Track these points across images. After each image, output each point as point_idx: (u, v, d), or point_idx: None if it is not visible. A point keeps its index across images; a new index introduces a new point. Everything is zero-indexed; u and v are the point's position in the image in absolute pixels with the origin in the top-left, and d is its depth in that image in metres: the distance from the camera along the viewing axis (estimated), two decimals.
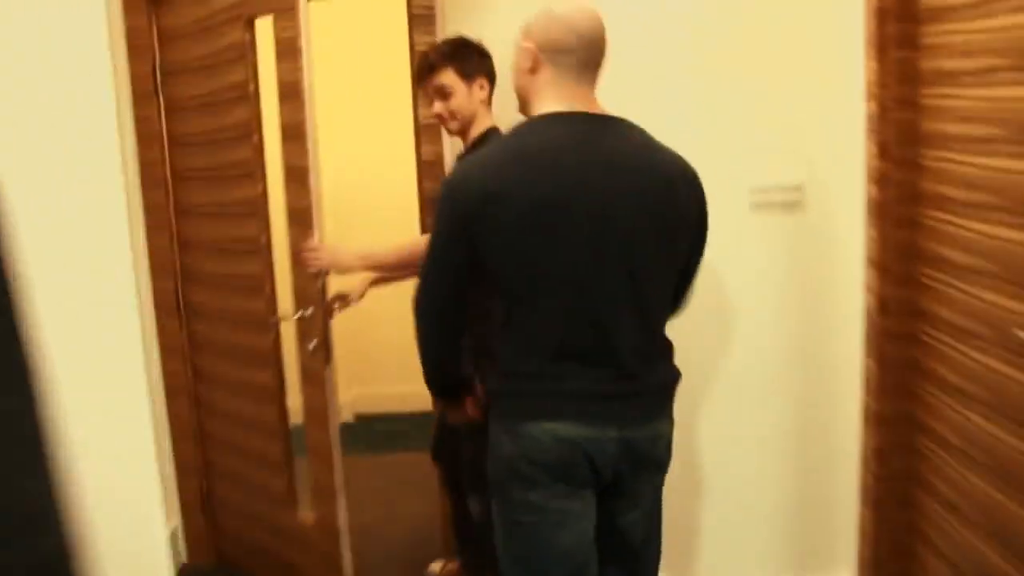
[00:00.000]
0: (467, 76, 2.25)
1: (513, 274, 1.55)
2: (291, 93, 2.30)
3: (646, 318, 1.61)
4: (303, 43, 2.23)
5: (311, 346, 2.35)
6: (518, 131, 1.60)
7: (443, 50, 2.28)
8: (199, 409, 2.93)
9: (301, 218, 2.34)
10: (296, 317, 2.42)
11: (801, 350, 2.34)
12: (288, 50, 2.29)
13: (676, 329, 1.72)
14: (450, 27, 2.74)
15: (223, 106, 2.60)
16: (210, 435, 2.92)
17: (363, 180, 4.26)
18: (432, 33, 2.79)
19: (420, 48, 2.79)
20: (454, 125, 2.30)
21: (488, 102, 2.31)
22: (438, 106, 2.30)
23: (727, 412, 2.39)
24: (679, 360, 1.72)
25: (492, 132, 2.27)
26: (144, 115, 2.76)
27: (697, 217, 1.67)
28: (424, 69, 2.30)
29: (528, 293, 1.56)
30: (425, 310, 1.66)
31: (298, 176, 2.32)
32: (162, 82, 2.78)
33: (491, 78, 2.31)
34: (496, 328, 1.64)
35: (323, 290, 2.35)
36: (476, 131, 2.30)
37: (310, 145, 2.27)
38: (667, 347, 1.70)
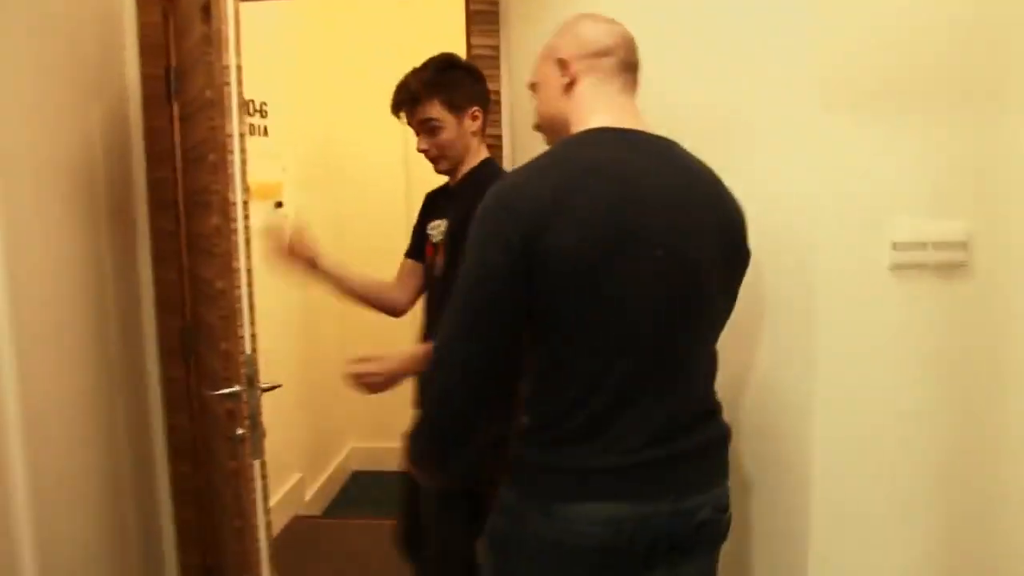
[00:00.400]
0: (457, 108, 1.95)
1: (573, 304, 1.25)
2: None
3: (708, 367, 1.44)
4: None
5: (237, 433, 1.76)
6: (566, 145, 1.35)
7: (427, 78, 1.94)
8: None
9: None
10: (219, 393, 1.78)
11: (957, 463, 1.68)
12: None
13: None
14: (514, 26, 2.28)
15: None
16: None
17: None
18: (493, 34, 2.33)
19: (480, 51, 2.33)
20: (443, 164, 1.99)
21: (482, 132, 2.01)
22: (423, 142, 1.95)
23: (859, 543, 1.75)
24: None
25: (487, 165, 2.01)
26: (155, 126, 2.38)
27: (747, 262, 1.48)
28: (405, 101, 1.96)
29: (587, 331, 1.27)
30: (462, 378, 1.25)
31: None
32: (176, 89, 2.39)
33: (484, 105, 2.01)
34: (527, 379, 1.34)
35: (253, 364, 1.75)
36: (468, 166, 2.00)
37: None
38: (719, 404, 1.48)
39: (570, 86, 1.38)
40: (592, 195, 1.24)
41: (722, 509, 1.42)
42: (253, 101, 3.43)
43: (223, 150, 1.70)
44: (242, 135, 1.71)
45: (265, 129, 3.55)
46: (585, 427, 1.28)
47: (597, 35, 1.39)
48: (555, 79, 1.40)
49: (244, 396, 1.71)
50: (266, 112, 3.55)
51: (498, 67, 2.39)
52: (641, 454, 1.30)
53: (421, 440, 1.35)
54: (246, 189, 1.72)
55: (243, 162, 1.72)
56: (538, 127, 1.49)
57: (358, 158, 4.42)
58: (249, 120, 3.41)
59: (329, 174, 4.38)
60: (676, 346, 1.33)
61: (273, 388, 1.76)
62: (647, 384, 1.30)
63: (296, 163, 3.90)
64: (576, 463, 1.29)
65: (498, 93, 2.38)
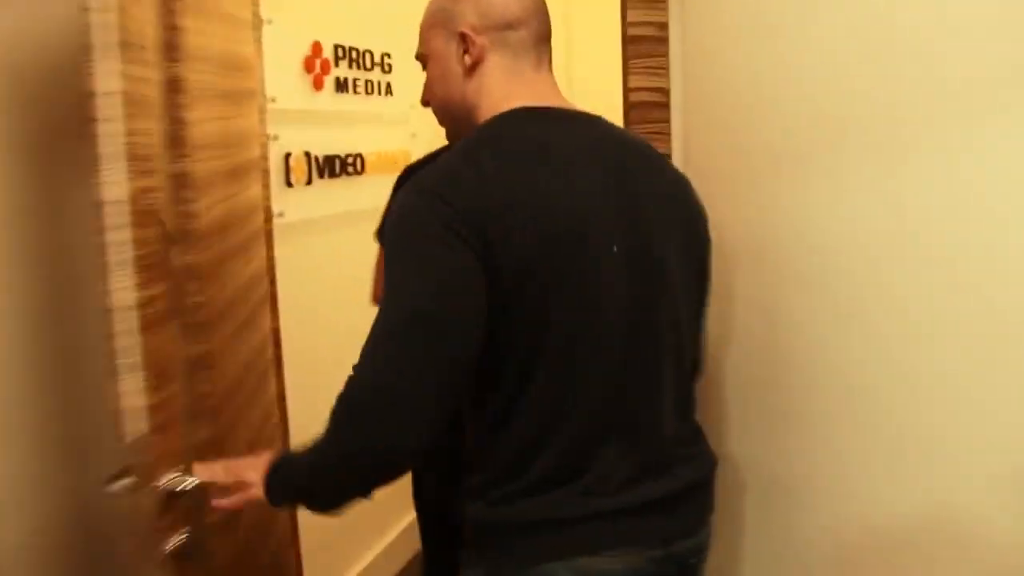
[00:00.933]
0: None
1: (529, 328, 1.06)
2: None
3: (687, 386, 1.26)
4: None
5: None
6: (496, 129, 1.14)
7: None
8: None
9: None
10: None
11: None
12: None
13: None
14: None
15: None
16: None
17: None
18: (660, 8, 1.48)
19: (640, 30, 1.53)
20: None
21: None
22: None
23: None
24: None
25: None
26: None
27: (709, 252, 1.28)
28: None
29: (549, 354, 1.06)
30: (400, 427, 0.99)
31: None
32: None
33: None
34: (478, 428, 1.13)
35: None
36: None
37: None
38: (700, 427, 1.30)
39: (475, 66, 1.19)
40: (540, 189, 1.07)
41: (706, 549, 1.25)
42: (370, 52, 2.72)
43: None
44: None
45: (388, 87, 2.84)
46: (553, 470, 1.10)
47: (506, 6, 1.19)
48: (454, 56, 1.20)
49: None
50: (390, 66, 2.83)
51: (665, 52, 1.54)
52: (623, 496, 1.13)
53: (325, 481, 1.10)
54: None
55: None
56: (427, 105, 1.29)
57: None
58: (367, 75, 2.71)
59: None
60: (649, 365, 1.15)
61: None
62: (620, 412, 1.13)
63: (431, 127, 3.16)
64: (548, 514, 1.10)
65: (663, 91, 1.52)
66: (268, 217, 1.91)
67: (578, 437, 1.10)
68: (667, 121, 1.53)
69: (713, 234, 1.28)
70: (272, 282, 1.91)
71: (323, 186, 2.49)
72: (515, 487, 1.10)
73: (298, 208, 2.36)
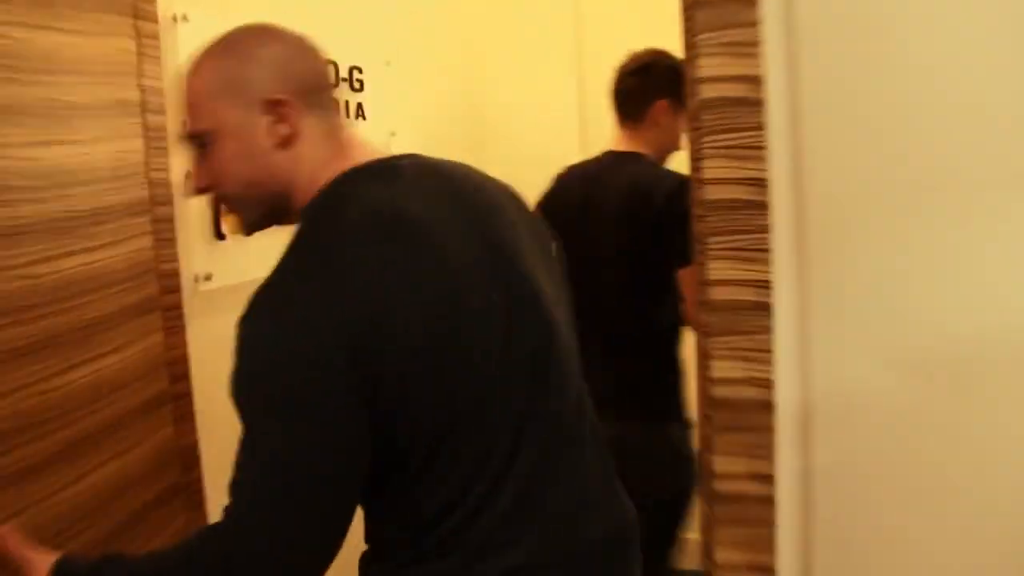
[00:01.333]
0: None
1: (425, 418, 0.96)
2: None
3: (595, 433, 1.15)
4: None
5: None
6: (333, 202, 1.01)
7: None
8: None
9: None
10: None
11: None
12: None
13: None
14: None
15: None
16: None
17: None
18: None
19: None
20: None
21: None
22: None
23: None
24: None
25: None
26: None
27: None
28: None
29: (445, 429, 0.98)
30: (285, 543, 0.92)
31: None
32: None
33: None
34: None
35: None
36: None
37: None
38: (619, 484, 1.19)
39: (293, 136, 1.01)
40: (410, 278, 0.94)
41: None
42: (335, 64, 2.18)
43: None
44: None
45: (360, 108, 2.30)
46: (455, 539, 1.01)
47: (306, 61, 1.05)
48: (260, 127, 1.01)
49: None
50: (361, 83, 2.28)
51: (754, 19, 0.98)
52: (541, 554, 1.04)
53: None
54: None
55: None
56: (205, 191, 1.06)
57: (516, 121, 3.07)
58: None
59: (472, 148, 3.03)
60: (550, 413, 1.06)
61: None
62: (521, 466, 1.02)
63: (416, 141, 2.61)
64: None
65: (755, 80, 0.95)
66: (174, 284, 1.36)
67: (481, 501, 1.00)
68: (759, 128, 0.93)
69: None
70: (181, 378, 1.35)
71: (270, 238, 1.91)
72: (411, 555, 1.03)
73: (233, 268, 1.78)
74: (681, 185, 1.85)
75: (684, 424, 1.97)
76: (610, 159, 2.00)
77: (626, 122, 1.99)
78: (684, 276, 1.86)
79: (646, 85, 1.96)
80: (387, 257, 0.94)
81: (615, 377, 1.91)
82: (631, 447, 1.72)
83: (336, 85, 1.10)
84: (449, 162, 1.13)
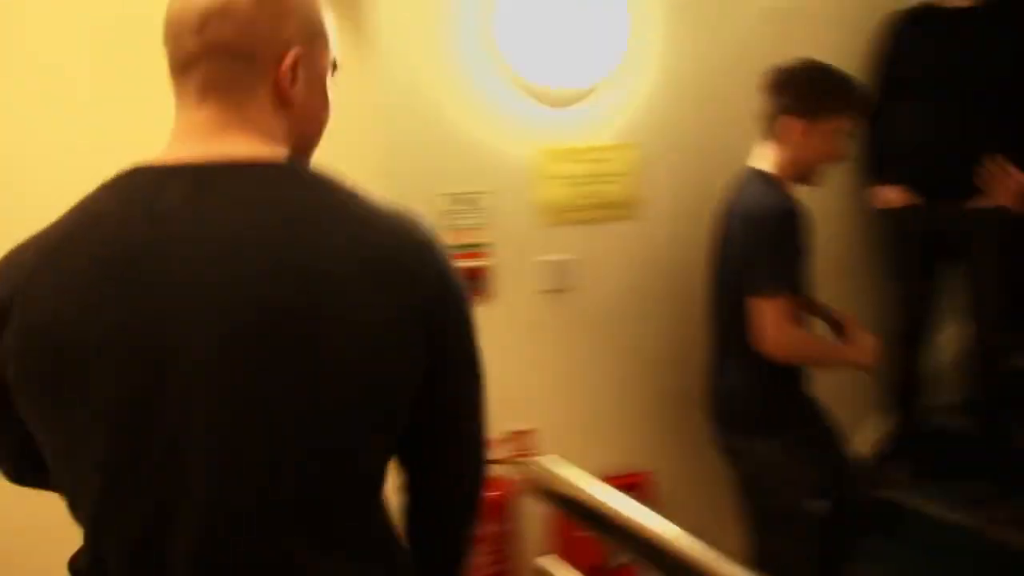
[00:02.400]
0: None
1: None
2: None
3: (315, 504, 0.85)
4: None
5: None
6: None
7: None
8: None
9: None
10: None
11: None
12: None
13: None
14: None
15: None
16: None
17: None
18: None
19: None
20: None
21: None
22: None
23: None
24: None
25: None
26: None
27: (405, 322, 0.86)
28: None
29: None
30: None
31: None
32: None
33: None
34: None
35: None
36: None
37: None
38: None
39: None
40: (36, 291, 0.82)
41: None
42: None
43: None
44: None
45: None
46: None
47: (167, 21, 0.88)
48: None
49: None
50: None
51: None
52: None
53: None
54: None
55: None
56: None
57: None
58: None
59: None
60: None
61: None
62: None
63: None
64: None
65: None
66: None
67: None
68: None
69: None
70: None
71: None
72: None
73: None
74: (772, 211, 1.89)
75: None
76: (744, 173, 2.04)
77: (763, 138, 2.02)
78: (756, 304, 1.89)
79: (770, 102, 1.98)
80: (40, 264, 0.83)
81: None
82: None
83: (211, 52, 0.84)
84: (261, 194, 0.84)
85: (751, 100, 2.03)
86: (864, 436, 2.70)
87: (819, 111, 1.91)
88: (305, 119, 0.91)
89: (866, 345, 2.07)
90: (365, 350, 0.82)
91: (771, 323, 1.89)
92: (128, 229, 0.81)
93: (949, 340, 2.76)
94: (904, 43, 2.47)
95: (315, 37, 0.89)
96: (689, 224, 2.32)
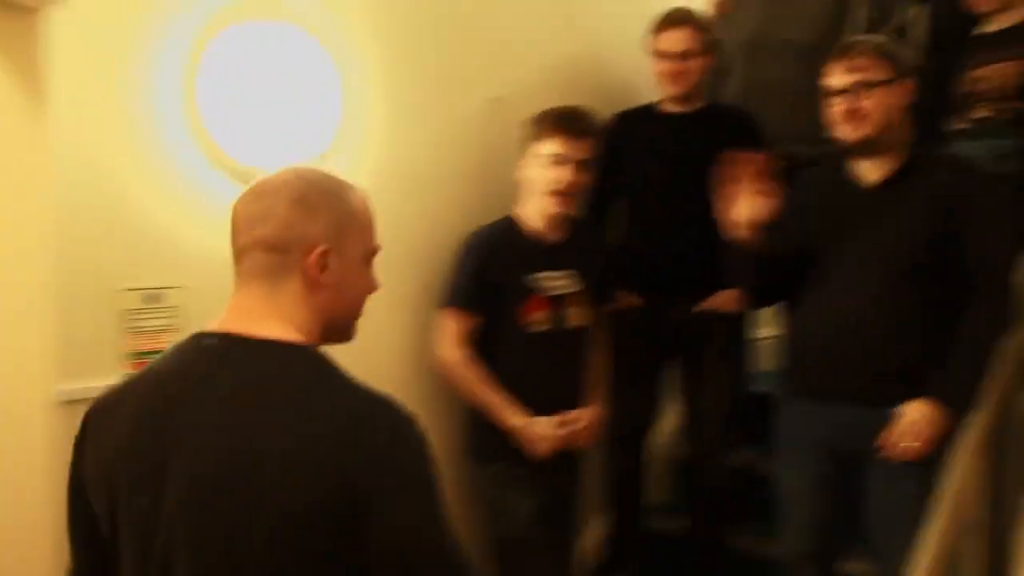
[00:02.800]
0: None
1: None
2: None
3: None
4: None
5: None
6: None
7: None
8: None
9: None
10: None
11: None
12: None
13: None
14: None
15: None
16: None
17: None
18: None
19: None
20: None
21: None
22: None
23: None
24: None
25: None
26: None
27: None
28: None
29: None
30: None
31: None
32: None
33: None
34: None
35: None
36: None
37: None
38: None
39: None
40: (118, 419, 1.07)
41: None
42: None
43: None
44: None
45: None
46: None
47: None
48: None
49: None
50: None
51: None
52: None
53: None
54: None
55: None
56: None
57: None
58: None
59: None
60: None
61: None
62: None
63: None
64: None
65: None
66: None
67: None
68: None
69: None
70: None
71: None
72: None
73: None
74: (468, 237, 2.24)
75: None
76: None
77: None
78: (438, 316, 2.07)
79: None
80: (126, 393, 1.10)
81: None
82: None
83: (250, 247, 1.08)
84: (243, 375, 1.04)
85: (468, 187, 2.00)
86: (587, 537, 2.66)
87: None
88: (340, 298, 1.11)
89: (538, 432, 2.10)
90: (288, 522, 0.97)
91: (442, 336, 2.15)
92: (164, 388, 1.05)
93: (670, 440, 2.84)
94: (623, 146, 2.55)
95: (345, 231, 1.10)
96: (406, 313, 2.24)
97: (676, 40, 2.44)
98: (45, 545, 1.54)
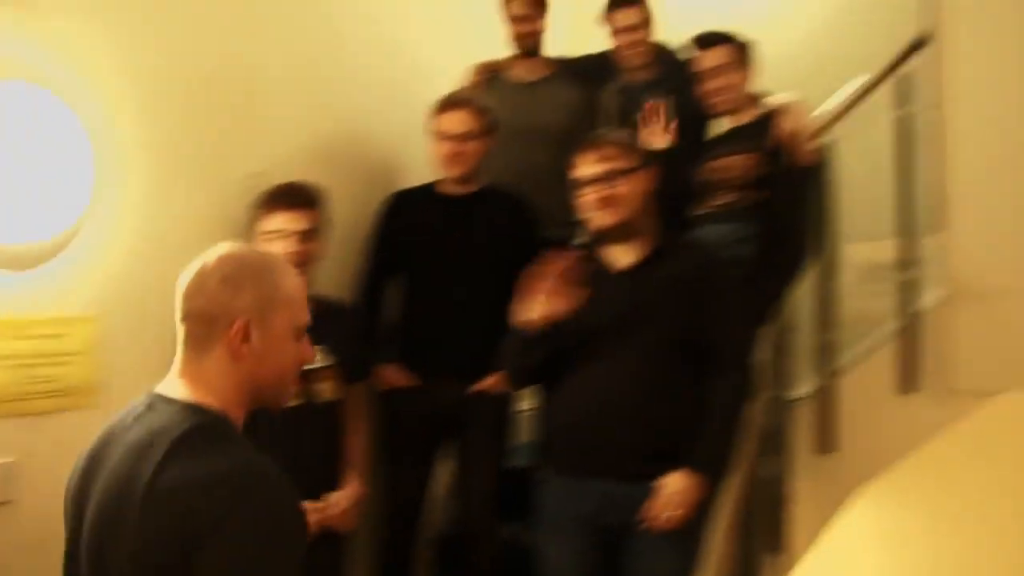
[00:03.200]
0: None
1: None
2: None
3: None
4: None
5: None
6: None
7: None
8: None
9: None
10: None
11: None
12: None
13: None
14: None
15: None
16: None
17: None
18: None
19: None
20: None
21: None
22: None
23: None
24: None
25: None
26: None
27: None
28: None
29: None
30: None
31: None
32: None
33: None
34: None
35: None
36: None
37: None
38: None
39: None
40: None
41: None
42: None
43: None
44: None
45: None
46: None
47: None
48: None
49: None
50: None
51: None
52: None
53: None
54: None
55: None
56: None
57: None
58: None
59: None
60: None
61: None
62: None
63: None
64: None
65: None
66: None
67: None
68: None
69: None
70: None
71: None
72: None
73: None
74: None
75: None
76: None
77: None
78: None
79: None
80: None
81: None
82: None
83: (187, 316, 1.24)
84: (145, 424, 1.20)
85: None
86: None
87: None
88: (263, 368, 1.22)
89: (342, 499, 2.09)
90: (134, 562, 1.10)
91: None
92: (108, 432, 1.25)
93: (441, 519, 2.80)
94: (400, 226, 2.55)
95: (269, 307, 1.22)
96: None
97: (456, 122, 2.48)
98: None
